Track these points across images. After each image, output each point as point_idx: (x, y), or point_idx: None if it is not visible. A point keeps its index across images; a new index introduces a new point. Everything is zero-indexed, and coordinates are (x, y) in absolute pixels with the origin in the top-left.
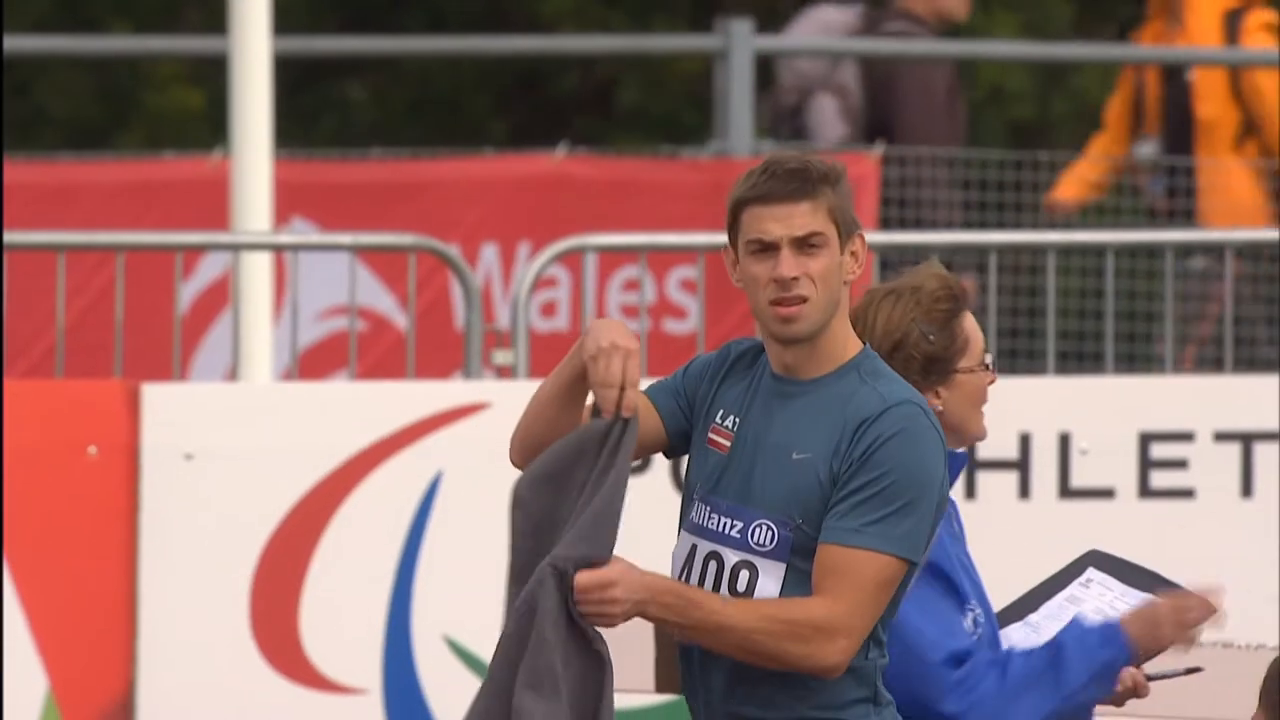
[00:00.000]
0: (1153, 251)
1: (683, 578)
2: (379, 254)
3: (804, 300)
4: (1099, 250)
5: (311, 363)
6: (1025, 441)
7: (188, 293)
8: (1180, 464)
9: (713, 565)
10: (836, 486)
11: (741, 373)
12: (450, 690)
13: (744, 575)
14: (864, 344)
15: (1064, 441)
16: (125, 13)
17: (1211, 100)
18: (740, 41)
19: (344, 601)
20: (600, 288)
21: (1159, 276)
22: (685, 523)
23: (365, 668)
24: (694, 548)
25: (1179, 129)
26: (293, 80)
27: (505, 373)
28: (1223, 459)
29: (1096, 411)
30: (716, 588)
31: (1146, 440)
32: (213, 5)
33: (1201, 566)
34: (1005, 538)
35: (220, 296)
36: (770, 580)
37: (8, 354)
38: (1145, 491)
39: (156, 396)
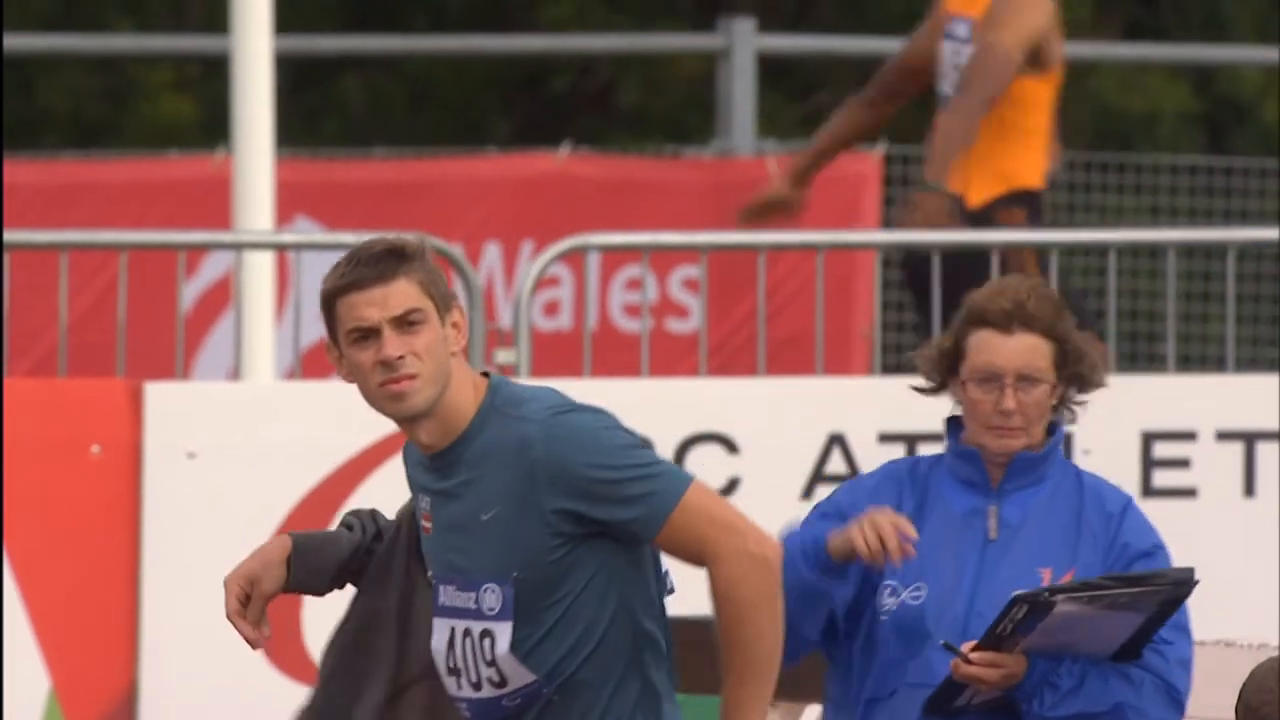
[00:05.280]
0: (1155, 250)
1: (448, 664)
2: None
3: (413, 376)
4: (1102, 249)
5: (314, 362)
6: None
7: (190, 292)
8: (1183, 463)
9: (467, 642)
10: (590, 513)
11: (415, 461)
12: None
13: (487, 643)
14: (486, 377)
15: (1066, 441)
16: (129, 11)
17: None
18: (742, 40)
19: (347, 599)
20: (603, 287)
21: (1161, 276)
22: (436, 610)
23: None
24: (452, 630)
25: None
26: (295, 79)
27: (507, 372)
28: (1225, 458)
29: (1099, 411)
30: (476, 661)
31: (1149, 439)
32: (214, 4)
33: (1203, 566)
34: None
35: (223, 295)
36: (503, 641)
37: (11, 353)
38: (1148, 491)
39: (159, 395)
